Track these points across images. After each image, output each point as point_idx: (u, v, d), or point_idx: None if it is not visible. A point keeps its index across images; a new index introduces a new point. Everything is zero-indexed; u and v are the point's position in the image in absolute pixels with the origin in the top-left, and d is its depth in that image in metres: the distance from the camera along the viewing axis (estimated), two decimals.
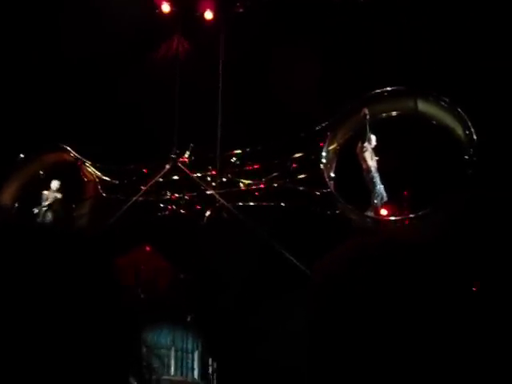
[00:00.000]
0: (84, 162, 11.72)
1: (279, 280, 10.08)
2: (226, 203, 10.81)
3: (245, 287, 10.45)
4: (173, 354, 10.51)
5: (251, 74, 10.49)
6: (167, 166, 11.09)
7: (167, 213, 11.35)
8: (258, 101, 10.42)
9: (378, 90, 9.81)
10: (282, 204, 10.46)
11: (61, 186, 11.60)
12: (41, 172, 11.89)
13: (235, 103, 10.67)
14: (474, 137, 9.23)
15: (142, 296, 10.81)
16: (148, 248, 11.13)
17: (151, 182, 11.15)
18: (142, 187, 11.25)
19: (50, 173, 11.89)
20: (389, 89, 9.81)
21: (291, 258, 10.15)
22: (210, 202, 11.10)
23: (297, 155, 10.29)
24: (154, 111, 10.74)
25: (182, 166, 11.05)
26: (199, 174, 11.09)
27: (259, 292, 10.31)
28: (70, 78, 11.23)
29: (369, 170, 9.66)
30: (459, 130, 9.41)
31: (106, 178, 11.66)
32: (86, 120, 11.20)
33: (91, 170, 11.72)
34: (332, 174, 10.02)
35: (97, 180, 11.71)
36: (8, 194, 11.93)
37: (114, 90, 10.95)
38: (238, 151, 10.81)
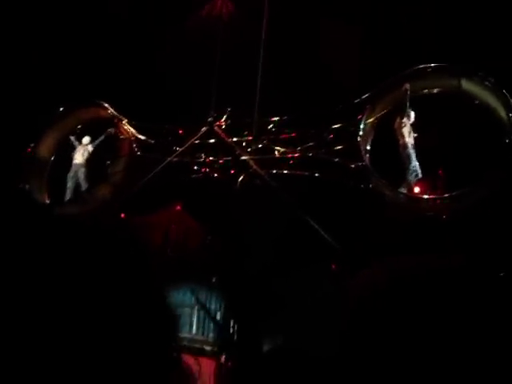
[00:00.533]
0: (120, 120, 11.73)
1: (306, 250, 10.10)
2: (259, 170, 10.75)
3: (272, 254, 10.49)
4: (195, 313, 10.58)
5: (294, 42, 10.36)
6: (203, 129, 11.05)
7: (201, 175, 11.33)
8: (299, 69, 10.33)
9: (421, 66, 9.58)
10: (316, 174, 10.34)
11: (92, 140, 11.69)
12: (78, 126, 12.01)
13: (276, 70, 10.56)
14: None
15: (170, 254, 10.94)
16: (179, 207, 11.16)
17: (187, 144, 11.13)
18: (178, 148, 11.23)
19: (87, 128, 11.99)
20: (432, 65, 9.57)
21: (320, 229, 10.11)
22: (244, 167, 11.04)
23: (334, 126, 10.12)
24: (194, 72, 10.72)
25: (218, 130, 11.00)
26: (235, 139, 11.00)
27: (285, 260, 10.35)
28: (111, 35, 11.25)
29: (405, 146, 9.56)
30: (502, 112, 9.18)
31: (142, 137, 11.65)
32: (125, 77, 11.24)
33: (127, 127, 11.73)
34: (368, 148, 9.86)
35: (132, 138, 11.72)
36: (45, 147, 12.07)
37: (153, 49, 10.97)
38: (276, 118, 10.68)
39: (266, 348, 10.93)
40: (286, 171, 10.73)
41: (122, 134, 11.85)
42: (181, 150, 11.15)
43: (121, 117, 11.75)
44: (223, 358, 10.57)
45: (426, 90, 9.66)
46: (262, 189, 10.73)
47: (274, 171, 10.75)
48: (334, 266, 10.28)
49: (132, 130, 11.74)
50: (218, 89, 10.89)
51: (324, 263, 10.16)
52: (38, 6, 11.28)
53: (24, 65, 11.45)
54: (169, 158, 11.19)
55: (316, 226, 10.14)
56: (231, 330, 10.82)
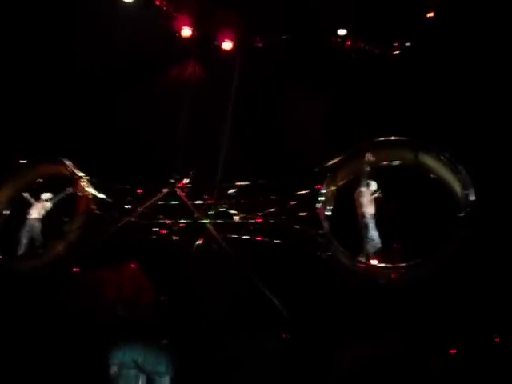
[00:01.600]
0: (80, 177, 11.68)
1: (257, 316, 10.04)
2: (217, 235, 10.77)
3: (223, 318, 10.37)
4: (143, 375, 10.27)
5: (260, 108, 10.64)
6: (164, 190, 11.11)
7: (158, 237, 11.27)
8: (263, 135, 10.57)
9: (381, 138, 9.89)
10: (276, 241, 10.39)
11: (52, 197, 11.58)
12: (39, 180, 11.92)
13: (241, 135, 10.78)
14: (472, 196, 9.24)
15: (121, 313, 10.70)
16: (133, 265, 11.01)
17: (147, 204, 11.15)
18: (138, 208, 11.22)
19: (45, 183, 11.91)
20: (391, 138, 9.89)
21: (272, 298, 10.11)
22: (202, 230, 11.04)
23: (295, 193, 10.27)
24: (159, 132, 10.87)
25: (180, 192, 11.06)
26: (196, 202, 11.04)
27: (236, 324, 10.24)
28: (78, 90, 11.41)
29: (364, 215, 9.72)
30: (457, 187, 9.45)
31: (101, 195, 11.59)
32: (87, 134, 11.31)
33: (86, 185, 11.65)
34: (328, 216, 9.98)
35: (90, 196, 11.63)
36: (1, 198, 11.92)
37: (119, 107, 11.12)
38: (238, 183, 10.80)
39: None
40: (245, 236, 10.75)
41: (81, 191, 11.76)
42: (140, 209, 11.13)
43: (80, 174, 11.69)
44: None
45: (385, 162, 9.93)
46: (218, 253, 10.72)
47: (233, 236, 10.77)
48: (283, 335, 10.21)
49: (91, 188, 11.66)
50: (182, 150, 11.01)
51: (273, 331, 10.10)
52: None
53: None
54: (127, 218, 11.14)
55: (268, 294, 10.14)
56: None
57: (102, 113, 11.50)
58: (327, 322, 9.56)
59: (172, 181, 11.07)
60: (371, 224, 9.66)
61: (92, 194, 11.64)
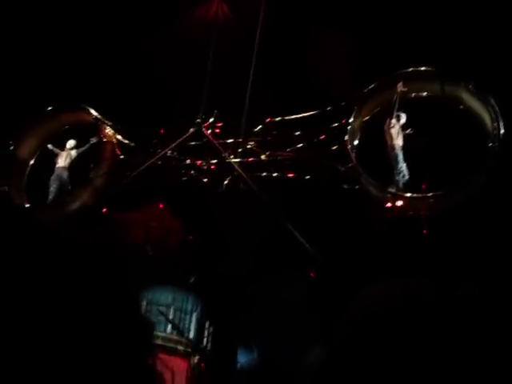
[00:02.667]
0: (105, 123, 11.67)
1: (284, 254, 10.03)
2: (243, 173, 10.71)
3: (250, 256, 10.40)
4: (171, 312, 10.36)
5: (286, 43, 10.49)
6: (191, 130, 11.05)
7: (186, 178, 11.27)
8: (289, 72, 10.43)
9: (410, 69, 9.75)
10: (305, 177, 10.31)
11: (77, 145, 11.61)
12: (63, 128, 11.94)
13: (267, 73, 10.65)
14: (501, 128, 9.10)
15: (150, 253, 10.79)
16: (161, 206, 11.05)
17: (172, 145, 11.12)
18: (163, 150, 11.20)
19: (70, 131, 11.92)
20: (420, 69, 9.75)
21: (299, 237, 10.07)
22: (229, 170, 11.00)
23: (322, 128, 10.17)
24: (184, 73, 10.76)
25: (206, 132, 11.00)
26: (222, 141, 10.98)
27: (263, 263, 10.26)
28: (100, 35, 11.31)
29: (393, 147, 9.68)
30: (487, 119, 9.29)
31: (125, 141, 11.59)
32: (111, 79, 11.25)
33: (111, 131, 11.65)
34: (356, 148, 9.90)
35: (115, 141, 11.64)
36: (26, 148, 11.95)
37: (143, 49, 11.04)
38: (265, 120, 10.71)
39: (239, 351, 10.78)
40: (273, 174, 10.69)
41: (106, 138, 11.76)
42: (166, 150, 11.10)
43: (105, 121, 11.67)
44: (196, 358, 10.35)
45: (414, 94, 9.80)
46: (246, 192, 10.69)
47: (261, 174, 10.72)
48: (311, 274, 10.20)
49: (115, 134, 11.65)
50: (208, 90, 10.92)
51: (301, 270, 10.10)
52: (29, 5, 11.31)
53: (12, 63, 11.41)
54: (152, 159, 11.12)
55: (295, 233, 10.11)
56: (206, 332, 10.64)
57: (126, 57, 11.42)
58: (355, 259, 9.52)
59: (198, 120, 11.02)
60: (400, 156, 9.65)
61: (117, 140, 11.68)
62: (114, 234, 10.69)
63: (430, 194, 9.07)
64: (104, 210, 11.11)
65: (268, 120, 10.59)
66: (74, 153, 11.65)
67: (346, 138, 9.82)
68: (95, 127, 11.77)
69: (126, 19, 11.34)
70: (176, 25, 11.23)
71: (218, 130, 10.93)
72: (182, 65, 10.99)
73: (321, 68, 10.19)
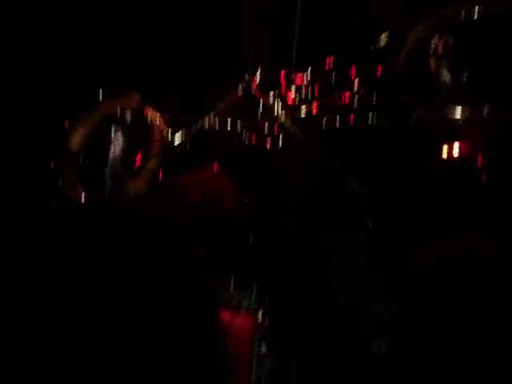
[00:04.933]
0: (150, 107, 11.70)
1: (345, 211, 9.78)
2: (295, 129, 10.54)
3: (309, 215, 10.20)
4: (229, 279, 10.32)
5: None
6: (239, 89, 10.94)
7: (238, 139, 11.19)
8: (335, 24, 10.20)
9: None
10: (367, 122, 10.00)
11: (125, 133, 11.70)
12: (110, 116, 12.05)
13: (311, 24, 10.45)
14: None
15: (208, 215, 10.76)
16: (216, 167, 11.02)
17: (223, 105, 11.03)
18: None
19: (116, 118, 12.02)
20: None
21: (360, 190, 9.79)
22: (282, 127, 10.84)
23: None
24: (225, 33, 10.68)
25: (255, 90, 10.87)
26: (272, 98, 10.83)
27: (322, 221, 10.04)
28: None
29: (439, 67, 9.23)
30: None
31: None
32: (151, 57, 11.25)
33: (157, 115, 11.67)
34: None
35: (163, 125, 11.66)
36: (77, 137, 12.09)
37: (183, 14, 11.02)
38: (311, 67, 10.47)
39: (303, 308, 10.58)
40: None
41: (153, 121, 11.80)
42: (217, 110, 11.01)
43: (149, 104, 11.69)
44: (260, 314, 10.21)
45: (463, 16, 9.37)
46: (302, 148, 10.49)
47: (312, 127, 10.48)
48: (371, 227, 9.91)
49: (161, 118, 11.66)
50: (253, 46, 10.78)
51: (362, 225, 9.84)
52: None
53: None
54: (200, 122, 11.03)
55: (355, 187, 9.84)
56: (269, 288, 10.51)
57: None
58: (413, 210, 9.18)
59: (246, 77, 10.90)
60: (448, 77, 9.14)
61: (164, 123, 11.71)
62: (170, 199, 10.77)
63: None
64: (159, 177, 11.17)
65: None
66: (123, 140, 11.76)
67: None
68: (141, 113, 11.86)
69: None
70: None
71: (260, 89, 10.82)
72: (223, 23, 10.93)
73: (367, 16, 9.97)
